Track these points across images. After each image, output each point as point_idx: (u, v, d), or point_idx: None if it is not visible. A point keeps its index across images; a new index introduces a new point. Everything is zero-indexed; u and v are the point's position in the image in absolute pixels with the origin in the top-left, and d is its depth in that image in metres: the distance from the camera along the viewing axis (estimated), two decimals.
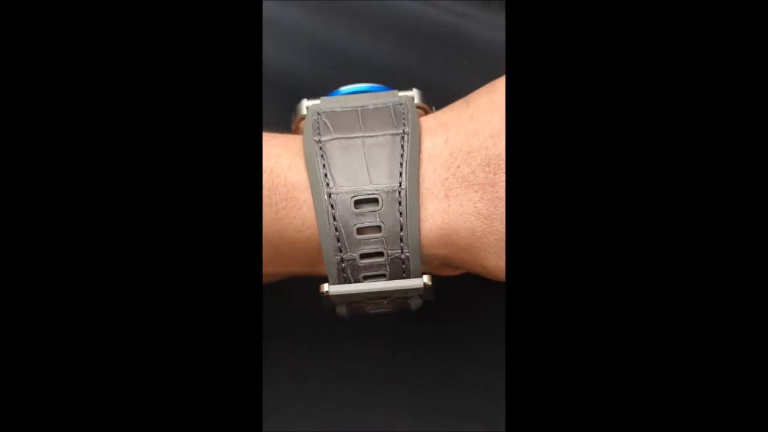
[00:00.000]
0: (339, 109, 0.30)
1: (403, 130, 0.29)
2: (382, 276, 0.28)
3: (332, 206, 0.27)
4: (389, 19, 0.39)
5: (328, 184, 0.28)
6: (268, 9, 0.38)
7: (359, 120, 0.29)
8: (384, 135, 0.29)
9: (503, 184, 0.27)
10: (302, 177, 0.28)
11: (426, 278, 0.28)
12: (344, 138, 0.29)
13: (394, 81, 0.36)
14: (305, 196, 0.28)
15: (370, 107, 0.30)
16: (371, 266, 0.28)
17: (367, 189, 0.28)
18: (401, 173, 0.28)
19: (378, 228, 0.28)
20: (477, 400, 0.35)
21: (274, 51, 0.38)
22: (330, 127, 0.29)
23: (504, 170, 0.27)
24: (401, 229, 0.28)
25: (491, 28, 0.39)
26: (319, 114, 0.29)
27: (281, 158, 0.29)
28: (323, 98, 0.30)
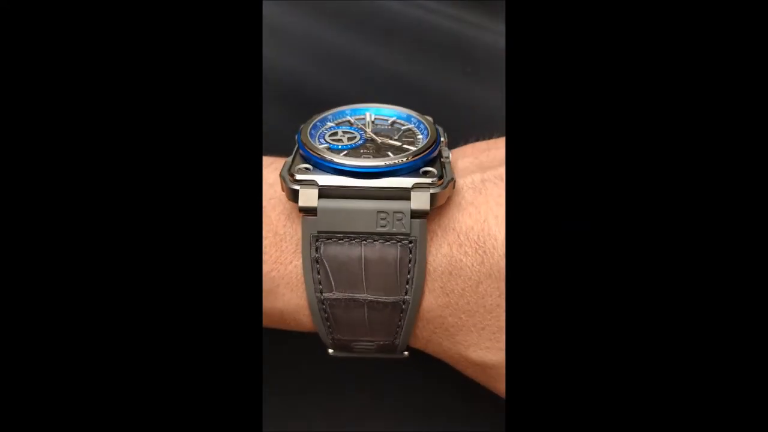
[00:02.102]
0: (341, 239, 0.31)
1: (402, 299, 0.32)
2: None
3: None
4: (395, 25, 0.39)
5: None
6: (275, 15, 0.39)
7: (362, 274, 0.32)
8: (386, 301, 0.32)
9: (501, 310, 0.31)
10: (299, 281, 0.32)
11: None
12: (348, 301, 0.32)
13: (399, 87, 0.36)
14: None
15: (375, 257, 0.31)
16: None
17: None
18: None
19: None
20: (477, 401, 0.36)
21: (281, 57, 0.39)
22: (332, 282, 0.32)
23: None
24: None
25: (495, 35, 0.40)
26: (317, 241, 0.31)
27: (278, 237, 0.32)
28: (323, 185, 0.31)
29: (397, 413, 0.36)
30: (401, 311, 0.32)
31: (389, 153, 0.33)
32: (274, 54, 0.39)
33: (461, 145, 0.36)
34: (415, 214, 0.31)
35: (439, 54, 0.40)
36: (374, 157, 0.32)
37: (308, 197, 0.31)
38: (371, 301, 0.32)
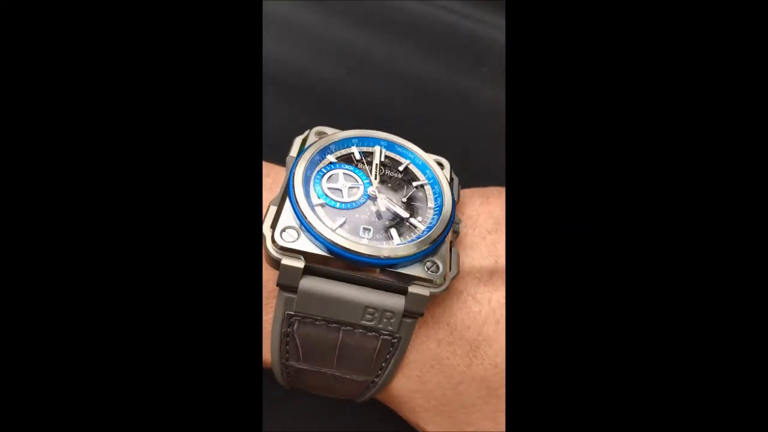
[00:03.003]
0: (317, 320, 0.28)
1: (372, 380, 0.30)
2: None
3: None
4: (409, 24, 0.36)
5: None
6: (285, 11, 0.34)
7: (335, 356, 0.29)
8: (355, 379, 0.29)
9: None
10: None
11: None
12: (313, 371, 0.29)
13: (414, 86, 0.32)
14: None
15: (352, 344, 0.28)
16: None
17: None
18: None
19: None
20: None
21: (290, 52, 0.35)
22: (301, 355, 0.29)
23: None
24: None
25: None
26: (292, 318, 0.28)
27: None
28: (309, 264, 0.27)
29: (396, 413, 0.35)
30: (368, 387, 0.30)
31: (392, 230, 0.28)
32: (283, 50, 0.34)
33: (472, 155, 0.32)
34: (408, 315, 0.28)
35: (455, 53, 0.36)
36: (374, 237, 0.28)
37: (290, 275, 0.27)
38: (339, 376, 0.30)
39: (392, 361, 0.29)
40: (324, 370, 0.29)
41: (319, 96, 0.31)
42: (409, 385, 0.30)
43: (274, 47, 0.35)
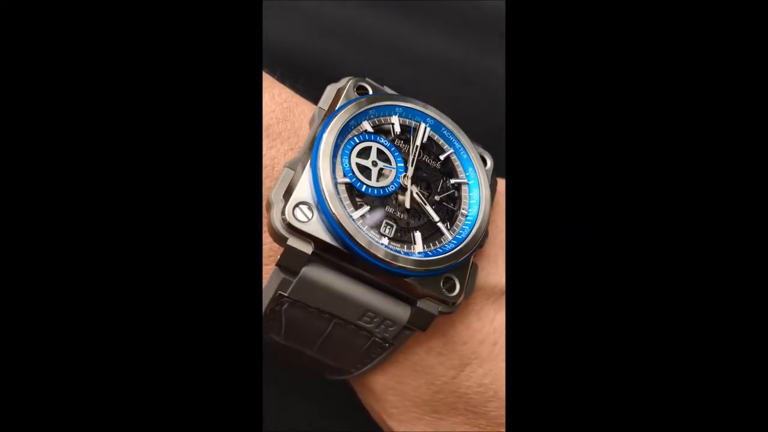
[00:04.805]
0: (310, 308, 0.25)
1: (349, 370, 0.28)
2: None
3: None
4: (434, 8, 0.34)
5: None
6: None
7: (318, 343, 0.26)
8: (332, 365, 0.28)
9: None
10: None
11: None
12: (294, 348, 0.27)
13: (433, 67, 0.32)
14: None
15: (339, 338, 0.26)
16: None
17: None
18: None
19: None
20: None
21: (304, 35, 0.33)
22: (283, 333, 0.26)
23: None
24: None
25: None
26: (283, 298, 0.25)
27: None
28: (317, 252, 0.24)
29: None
30: (341, 373, 0.28)
31: (417, 233, 0.24)
32: (287, 30, 0.32)
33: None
34: (409, 327, 0.25)
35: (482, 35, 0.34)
36: (395, 237, 0.24)
37: (294, 259, 0.23)
38: (315, 358, 0.27)
39: (376, 361, 0.26)
40: (303, 350, 0.27)
41: (325, 77, 0.27)
42: (385, 382, 0.27)
43: (276, 28, 0.32)
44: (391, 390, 0.28)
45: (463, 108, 0.29)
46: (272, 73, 0.27)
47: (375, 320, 0.24)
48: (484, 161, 0.27)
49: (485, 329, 0.26)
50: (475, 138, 0.28)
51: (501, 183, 0.28)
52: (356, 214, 0.24)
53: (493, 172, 0.27)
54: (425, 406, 0.28)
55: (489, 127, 0.31)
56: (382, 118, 0.26)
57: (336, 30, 0.32)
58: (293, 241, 0.23)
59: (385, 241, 0.24)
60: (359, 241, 0.23)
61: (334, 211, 0.23)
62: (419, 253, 0.24)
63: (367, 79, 0.26)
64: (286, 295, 0.24)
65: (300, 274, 0.23)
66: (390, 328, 0.25)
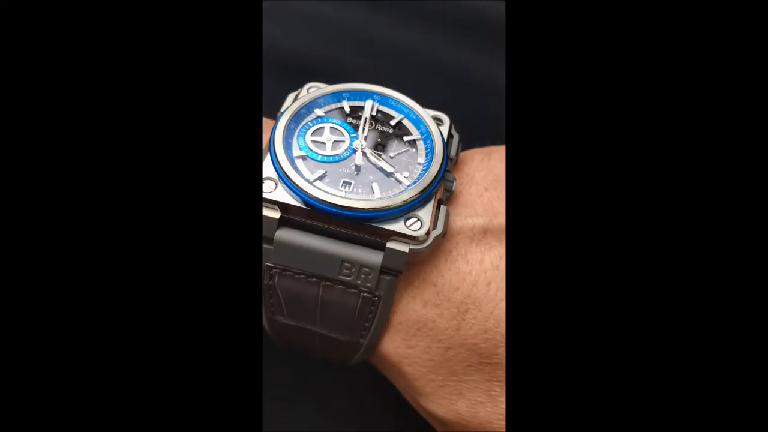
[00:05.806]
0: (297, 274, 0.27)
1: (358, 340, 0.28)
2: None
3: None
4: (434, 9, 0.36)
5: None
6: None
7: (317, 311, 0.28)
8: (340, 339, 0.28)
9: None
10: None
11: None
12: (299, 327, 0.28)
13: (433, 68, 0.33)
14: None
15: (332, 300, 0.27)
16: None
17: None
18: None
19: None
20: None
21: (291, 35, 0.35)
22: (284, 309, 0.28)
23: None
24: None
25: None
26: (272, 270, 0.27)
27: None
28: (284, 216, 0.26)
29: (396, 412, 0.34)
30: (356, 349, 0.28)
31: (375, 184, 0.26)
32: (286, 33, 0.35)
33: (478, 144, 0.30)
34: (386, 271, 0.26)
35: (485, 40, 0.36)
36: (353, 191, 0.26)
37: (266, 225, 0.26)
38: (325, 335, 0.28)
39: (375, 321, 0.27)
40: (309, 327, 0.28)
41: (327, 78, 0.30)
42: (396, 351, 0.28)
43: (276, 31, 0.35)
44: (406, 359, 0.28)
45: (463, 108, 0.32)
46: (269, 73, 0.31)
47: (353, 270, 0.26)
48: (440, 122, 0.29)
49: (475, 271, 0.27)
50: (475, 138, 0.30)
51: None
52: (312, 177, 0.26)
53: (450, 127, 0.29)
54: (441, 369, 0.28)
55: (489, 127, 0.33)
56: (332, 105, 0.29)
57: (336, 32, 0.35)
58: (264, 211, 0.25)
59: (343, 193, 0.26)
60: (318, 197, 0.25)
61: (292, 178, 0.26)
62: (377, 198, 0.26)
63: (318, 83, 0.30)
64: (271, 264, 0.26)
65: (274, 238, 0.26)
66: (369, 276, 0.26)
